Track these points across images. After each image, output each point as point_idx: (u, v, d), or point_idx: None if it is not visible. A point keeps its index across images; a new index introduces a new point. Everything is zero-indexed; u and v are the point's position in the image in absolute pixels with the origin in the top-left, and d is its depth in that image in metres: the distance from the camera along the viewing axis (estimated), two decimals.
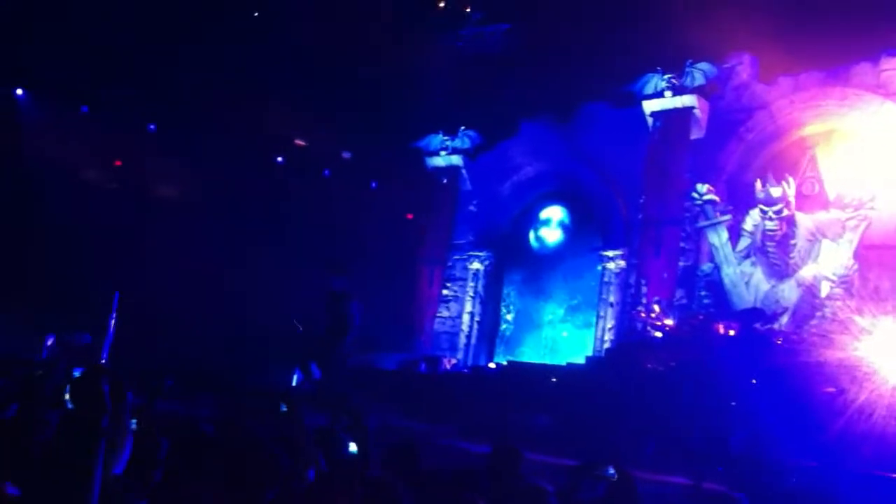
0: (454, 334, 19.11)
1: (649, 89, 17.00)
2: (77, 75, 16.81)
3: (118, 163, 18.96)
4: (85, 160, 17.60)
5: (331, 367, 11.11)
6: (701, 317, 14.82)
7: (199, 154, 18.17)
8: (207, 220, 17.76)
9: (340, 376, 11.31)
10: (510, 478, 5.58)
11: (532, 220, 19.52)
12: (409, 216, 20.61)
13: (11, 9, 16.11)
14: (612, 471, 7.01)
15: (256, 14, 19.90)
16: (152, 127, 18.37)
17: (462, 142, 19.87)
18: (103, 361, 13.03)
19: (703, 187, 15.92)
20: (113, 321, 13.17)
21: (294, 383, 13.67)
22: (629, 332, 15.91)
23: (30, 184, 16.24)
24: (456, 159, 19.88)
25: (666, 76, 16.78)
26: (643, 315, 15.12)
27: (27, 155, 16.66)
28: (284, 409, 6.49)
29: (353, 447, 5.70)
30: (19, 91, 17.24)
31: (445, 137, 19.98)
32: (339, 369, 11.34)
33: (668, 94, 16.75)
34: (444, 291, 19.52)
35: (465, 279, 19.53)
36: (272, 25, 19.13)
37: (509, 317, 19.49)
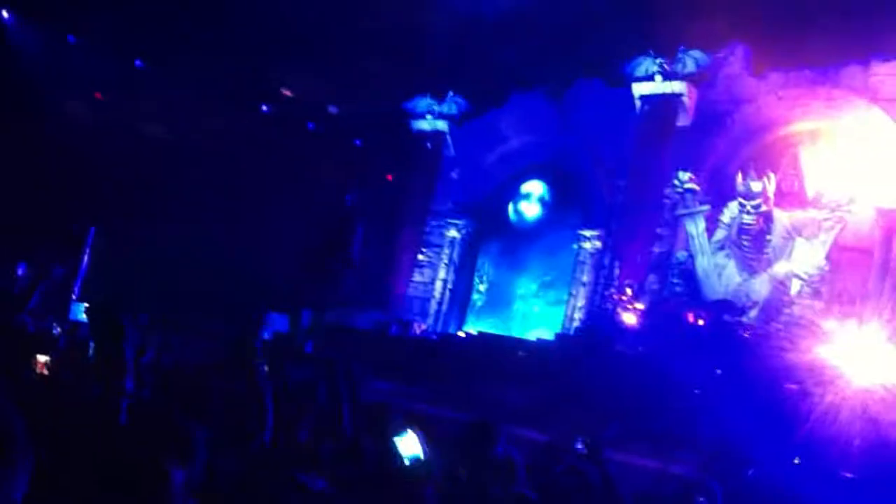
0: (426, 300, 19.18)
1: (640, 72, 16.98)
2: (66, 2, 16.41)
3: (98, 95, 18.58)
4: (69, 91, 17.23)
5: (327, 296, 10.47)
6: (672, 304, 15.04)
7: (185, 93, 17.88)
8: (189, 161, 17.52)
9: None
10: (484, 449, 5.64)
11: (513, 193, 19.54)
12: (389, 177, 20.49)
13: None
14: (580, 446, 7.14)
15: None
16: (138, 63, 18.02)
17: (449, 107, 19.75)
18: (74, 297, 12.94)
19: (684, 175, 16.05)
20: (86, 256, 13.06)
21: (266, 335, 13.64)
22: (599, 313, 16.08)
23: (11, 111, 15.88)
24: (441, 124, 19.77)
25: (658, 60, 16.76)
26: (615, 297, 15.27)
27: (10, 80, 16.26)
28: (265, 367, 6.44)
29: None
30: (5, 13, 16.76)
31: (432, 101, 19.84)
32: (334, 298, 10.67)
33: (658, 78, 16.76)
34: (420, 256, 19.52)
35: (441, 246, 19.54)
36: None
37: (482, 287, 19.57)
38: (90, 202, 15.64)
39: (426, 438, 4.55)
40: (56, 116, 16.24)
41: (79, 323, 10.00)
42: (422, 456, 4.28)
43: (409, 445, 4.30)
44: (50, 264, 13.17)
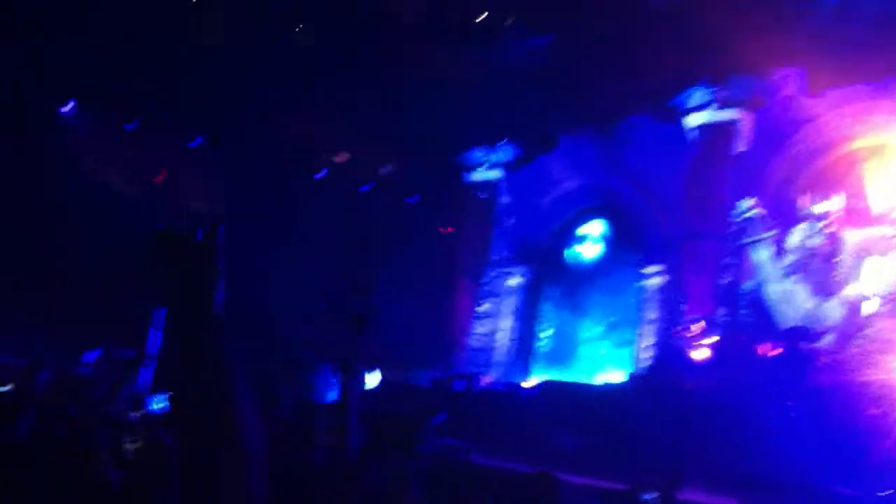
0: (490, 350, 18.92)
1: (692, 102, 16.76)
2: (122, 91, 17.02)
3: (159, 178, 19.15)
4: (126, 175, 17.81)
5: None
6: (744, 336, 14.53)
7: (242, 169, 18.31)
8: (248, 234, 17.84)
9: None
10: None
11: (571, 236, 19.34)
12: (445, 230, 20.51)
13: (60, 25, 16.35)
14: (647, 497, 6.81)
15: (299, 28, 20.00)
16: (197, 141, 18.56)
17: (501, 155, 19.77)
18: (148, 380, 13.06)
19: (746, 202, 15.62)
20: (157, 337, 13.23)
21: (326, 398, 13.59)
22: (669, 351, 15.62)
23: (71, 197, 16.44)
24: (495, 173, 19.80)
25: (710, 89, 16.53)
26: (684, 333, 14.83)
27: (71, 168, 16.89)
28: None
29: None
30: (67, 107, 17.50)
31: (485, 151, 19.92)
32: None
33: (711, 107, 16.52)
34: (481, 307, 19.37)
35: (501, 295, 19.35)
36: (315, 40, 19.21)
37: (546, 333, 19.28)
38: (156, 284, 15.93)
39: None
40: (117, 200, 16.76)
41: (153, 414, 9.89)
42: None
43: None
44: (116, 349, 13.38)
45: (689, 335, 14.75)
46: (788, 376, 12.45)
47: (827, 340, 14.13)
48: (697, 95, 16.72)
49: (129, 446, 6.23)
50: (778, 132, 16.33)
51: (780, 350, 13.76)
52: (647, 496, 6.96)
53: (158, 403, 10.45)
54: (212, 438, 1.60)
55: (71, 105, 17.79)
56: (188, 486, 1.60)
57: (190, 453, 1.62)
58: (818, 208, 15.03)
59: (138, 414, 9.52)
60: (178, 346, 1.65)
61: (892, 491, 9.15)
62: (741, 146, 16.45)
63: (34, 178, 15.70)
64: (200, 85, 17.60)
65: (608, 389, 14.61)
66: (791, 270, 15.29)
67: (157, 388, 12.46)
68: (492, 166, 19.86)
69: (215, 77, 17.52)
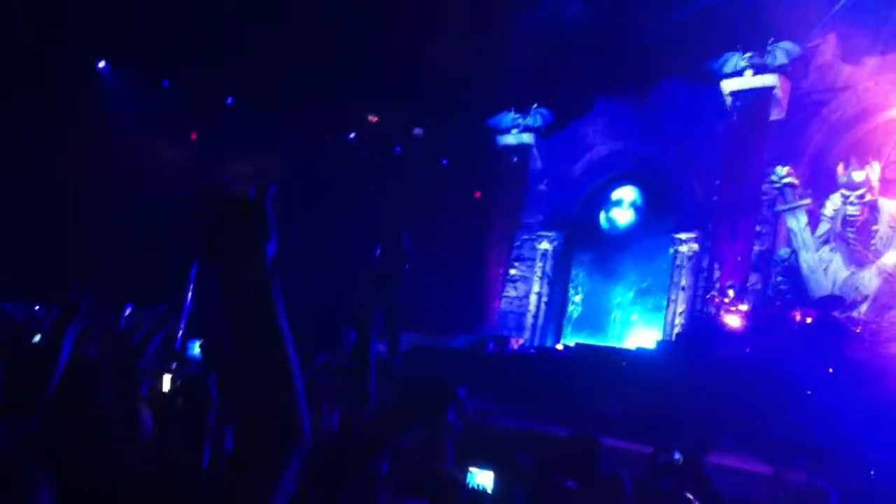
0: (521, 314, 19.04)
1: (729, 68, 16.55)
2: (158, 49, 17.06)
3: (194, 136, 19.24)
4: (163, 133, 17.90)
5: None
6: (777, 303, 14.49)
7: (273, 128, 18.34)
8: (279, 193, 17.93)
9: None
10: (589, 465, 5.52)
11: (603, 201, 19.29)
12: (478, 194, 20.51)
13: None
14: (677, 455, 6.90)
15: None
16: (229, 100, 18.61)
17: (534, 119, 19.66)
18: (180, 332, 13.25)
19: (782, 170, 15.50)
20: (190, 292, 13.34)
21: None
22: (701, 317, 15.64)
23: (108, 156, 16.56)
24: (527, 137, 19.70)
25: (746, 55, 16.30)
26: (717, 300, 14.81)
27: (107, 126, 16.99)
28: None
29: None
30: (102, 64, 17.57)
31: (517, 115, 19.81)
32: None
33: (748, 73, 16.29)
34: (512, 271, 19.44)
35: (533, 259, 19.41)
36: (347, 4, 19.13)
37: (577, 298, 19.33)
38: (190, 238, 16.10)
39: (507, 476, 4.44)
40: (153, 156, 16.88)
41: (191, 360, 10.15)
42: (489, 491, 4.20)
43: (483, 479, 4.22)
44: (150, 303, 13.52)
45: (721, 301, 14.72)
46: (821, 345, 12.41)
47: (863, 309, 14.11)
48: (733, 60, 16.50)
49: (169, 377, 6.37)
50: (815, 99, 16.14)
51: (812, 318, 13.72)
52: (673, 457, 7.00)
53: (195, 349, 10.78)
54: (264, 396, 1.65)
55: (104, 64, 17.87)
56: (242, 448, 1.66)
57: (242, 412, 1.68)
58: (855, 177, 14.89)
59: (173, 363, 9.73)
60: (229, 303, 1.71)
61: None
62: (778, 113, 16.27)
63: (72, 135, 15.82)
64: (236, 47, 17.61)
65: (640, 354, 14.62)
66: (826, 239, 15.22)
67: (188, 338, 12.70)
68: (524, 130, 19.77)
69: (249, 38, 17.52)
